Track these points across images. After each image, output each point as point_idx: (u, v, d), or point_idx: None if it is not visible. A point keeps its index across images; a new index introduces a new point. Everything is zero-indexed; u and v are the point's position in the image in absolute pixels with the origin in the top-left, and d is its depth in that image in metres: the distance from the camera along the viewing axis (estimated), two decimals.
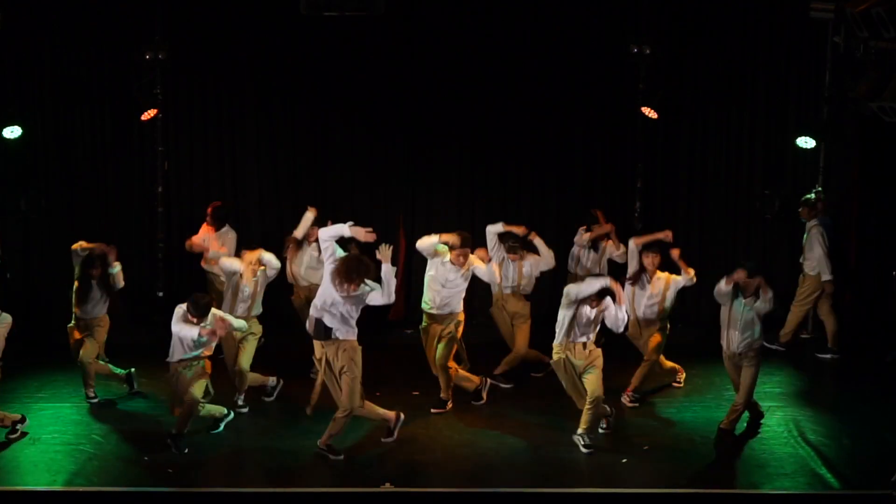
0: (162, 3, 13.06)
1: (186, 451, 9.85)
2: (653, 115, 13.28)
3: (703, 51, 13.56)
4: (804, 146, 13.39)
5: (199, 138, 13.72)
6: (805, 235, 12.78)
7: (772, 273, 12.62)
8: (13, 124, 12.87)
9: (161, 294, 13.53)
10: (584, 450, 9.88)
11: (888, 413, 10.90)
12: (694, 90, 13.65)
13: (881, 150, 13.26)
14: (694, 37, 13.51)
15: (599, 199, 13.87)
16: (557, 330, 9.99)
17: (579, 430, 9.96)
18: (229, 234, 12.61)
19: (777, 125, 13.71)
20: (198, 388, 9.91)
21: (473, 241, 11.17)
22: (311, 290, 10.99)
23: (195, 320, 9.77)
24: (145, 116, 13.14)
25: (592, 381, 9.93)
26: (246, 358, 10.79)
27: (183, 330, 9.75)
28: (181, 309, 9.85)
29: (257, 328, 10.97)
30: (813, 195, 12.98)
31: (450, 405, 10.95)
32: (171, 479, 9.32)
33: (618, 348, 11.23)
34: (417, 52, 13.44)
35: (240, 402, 10.88)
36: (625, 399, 11.16)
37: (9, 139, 12.90)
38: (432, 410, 10.88)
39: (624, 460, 9.72)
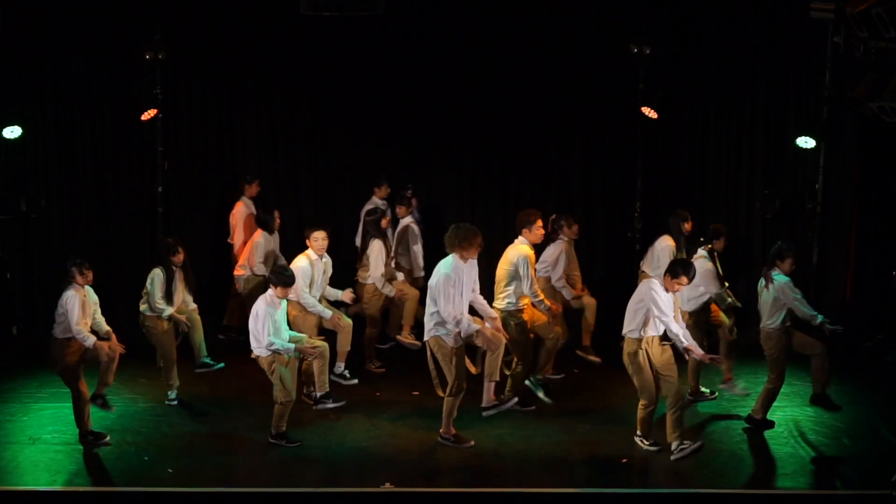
0: (162, 3, 13.06)
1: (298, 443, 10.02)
2: (653, 115, 13.28)
3: (703, 51, 13.55)
4: (804, 146, 13.40)
5: (199, 138, 13.72)
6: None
7: None
8: (13, 124, 12.88)
9: None
10: (679, 453, 9.69)
11: (888, 413, 10.90)
12: (694, 90, 13.64)
13: (881, 150, 13.28)
14: (694, 37, 13.51)
15: (600, 198, 13.89)
16: (635, 324, 9.66)
17: (673, 444, 9.69)
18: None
19: (777, 125, 13.71)
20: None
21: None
22: None
23: (281, 293, 9.93)
24: (145, 116, 13.13)
25: (673, 383, 9.71)
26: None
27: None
28: (263, 301, 9.93)
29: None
30: (408, 191, 12.88)
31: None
32: (171, 479, 9.31)
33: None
34: (417, 52, 13.44)
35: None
36: (737, 390, 11.29)
37: (9, 139, 12.91)
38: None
39: (624, 460, 9.71)
